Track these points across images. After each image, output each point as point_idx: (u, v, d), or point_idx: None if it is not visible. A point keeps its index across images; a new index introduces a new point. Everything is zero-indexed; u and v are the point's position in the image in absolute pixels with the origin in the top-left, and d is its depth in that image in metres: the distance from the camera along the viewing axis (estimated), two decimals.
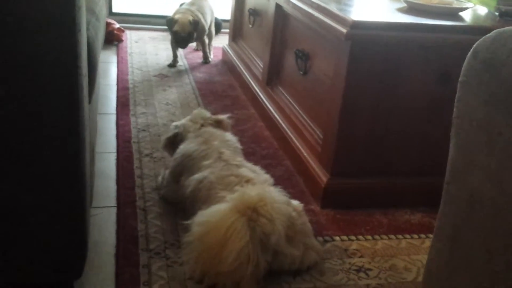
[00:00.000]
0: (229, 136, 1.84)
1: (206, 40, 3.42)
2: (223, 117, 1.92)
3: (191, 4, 3.46)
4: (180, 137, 1.82)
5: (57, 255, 1.24)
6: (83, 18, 1.14)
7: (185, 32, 3.17)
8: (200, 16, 3.33)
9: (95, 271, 1.46)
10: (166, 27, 4.14)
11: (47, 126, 1.10)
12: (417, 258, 1.64)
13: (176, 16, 3.20)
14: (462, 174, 0.87)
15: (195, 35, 3.21)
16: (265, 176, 1.65)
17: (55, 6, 1.02)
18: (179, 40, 3.19)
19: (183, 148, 1.76)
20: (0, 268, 1.21)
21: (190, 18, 3.19)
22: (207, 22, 3.43)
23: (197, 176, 1.61)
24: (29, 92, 1.07)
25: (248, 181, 1.54)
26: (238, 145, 1.82)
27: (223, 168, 1.60)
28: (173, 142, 1.84)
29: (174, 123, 1.92)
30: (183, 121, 1.89)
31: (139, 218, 1.71)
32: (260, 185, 1.52)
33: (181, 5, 3.56)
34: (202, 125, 1.83)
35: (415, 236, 1.76)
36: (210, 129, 1.81)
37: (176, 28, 3.16)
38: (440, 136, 1.85)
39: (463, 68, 0.87)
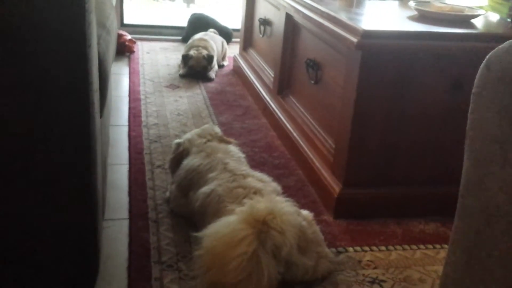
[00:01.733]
0: (232, 147, 1.84)
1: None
2: (231, 140, 1.92)
3: (204, 34, 3.67)
4: (185, 152, 1.82)
5: (69, 268, 1.24)
6: (94, 33, 1.15)
7: (200, 67, 3.34)
8: (213, 45, 3.53)
9: (107, 284, 1.46)
10: (178, 38, 4.19)
11: (59, 141, 1.11)
12: (432, 269, 1.62)
13: (191, 52, 3.37)
14: (476, 187, 0.85)
15: (209, 68, 3.39)
16: (273, 185, 1.64)
17: (65, 21, 1.03)
18: (195, 73, 3.35)
19: (187, 163, 1.77)
20: (12, 282, 1.22)
21: (205, 53, 3.38)
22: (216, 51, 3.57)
23: (204, 189, 1.61)
24: (40, 108, 1.07)
25: (256, 192, 1.54)
26: (241, 154, 1.82)
27: (230, 180, 1.60)
28: (179, 158, 1.84)
29: (176, 141, 1.92)
30: (188, 135, 1.89)
31: (151, 230, 1.70)
32: (268, 196, 1.51)
33: (191, 38, 3.66)
34: (208, 140, 1.83)
35: (430, 246, 1.74)
36: (214, 143, 1.82)
37: (191, 63, 3.35)
38: (453, 145, 1.83)
39: (476, 80, 0.86)
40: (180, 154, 1.83)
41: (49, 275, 1.23)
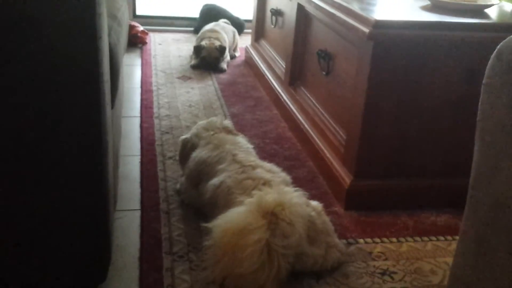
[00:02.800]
0: (240, 138, 1.85)
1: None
2: (239, 133, 1.93)
3: (215, 25, 3.65)
4: (194, 146, 1.83)
5: (81, 259, 1.26)
6: (104, 24, 1.15)
7: (212, 58, 3.33)
8: (225, 36, 3.52)
9: (119, 275, 1.47)
10: (190, 29, 4.18)
11: (70, 132, 1.12)
12: (443, 261, 1.62)
13: (203, 43, 3.36)
14: (486, 178, 0.85)
15: (221, 59, 3.37)
16: (282, 175, 1.64)
17: (75, 13, 1.03)
18: (207, 64, 3.34)
19: (195, 155, 1.78)
20: (24, 274, 1.23)
21: (217, 44, 3.37)
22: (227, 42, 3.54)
23: (214, 181, 1.62)
24: (52, 99, 1.08)
25: (265, 183, 1.54)
26: (250, 145, 1.83)
27: (239, 171, 1.60)
28: (187, 152, 1.84)
29: (182, 137, 1.93)
30: (194, 130, 1.90)
31: (163, 221, 1.72)
32: (277, 187, 1.51)
33: (202, 29, 3.66)
34: (216, 133, 1.83)
35: (441, 238, 1.73)
36: (221, 135, 1.82)
37: (203, 54, 3.34)
38: (465, 136, 1.81)
39: (486, 70, 0.85)
40: (189, 149, 1.84)
41: (62, 265, 1.25)
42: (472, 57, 1.75)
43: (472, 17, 1.83)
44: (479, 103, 0.86)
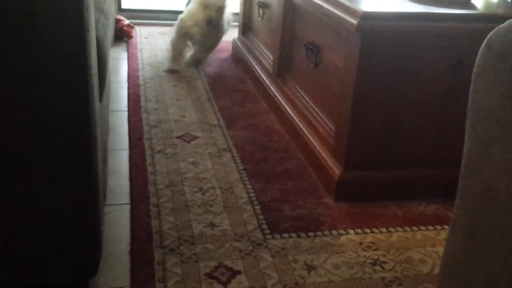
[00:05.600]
0: None
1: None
2: None
3: None
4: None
5: (71, 254, 1.25)
6: (92, 17, 1.14)
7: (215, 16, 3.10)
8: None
9: (110, 269, 1.47)
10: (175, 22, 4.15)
11: (58, 126, 1.11)
12: (433, 250, 1.63)
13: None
14: (477, 168, 0.86)
15: (221, 20, 3.15)
16: None
17: (62, 6, 1.02)
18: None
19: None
20: (14, 269, 1.22)
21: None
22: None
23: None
24: (39, 93, 1.07)
25: None
26: None
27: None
28: None
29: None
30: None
31: (153, 214, 1.71)
32: None
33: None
34: None
35: (431, 227, 1.75)
36: None
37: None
38: (454, 126, 1.83)
39: (477, 60, 0.85)
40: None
41: (52, 261, 1.24)
42: (460, 47, 1.76)
43: (459, 8, 1.84)
44: (470, 92, 0.87)
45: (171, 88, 2.86)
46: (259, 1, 2.97)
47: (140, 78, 2.98)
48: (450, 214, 1.01)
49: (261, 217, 1.74)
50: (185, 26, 3.06)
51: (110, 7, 1.80)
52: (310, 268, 1.50)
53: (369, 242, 1.65)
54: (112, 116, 2.42)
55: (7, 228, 1.18)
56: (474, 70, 0.86)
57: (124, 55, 3.40)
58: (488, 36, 0.84)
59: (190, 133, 2.34)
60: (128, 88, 2.82)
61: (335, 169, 1.88)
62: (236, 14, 3.55)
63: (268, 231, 1.67)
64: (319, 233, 1.68)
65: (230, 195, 1.86)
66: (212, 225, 1.68)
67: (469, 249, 0.92)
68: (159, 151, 2.14)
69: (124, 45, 3.60)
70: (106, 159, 1.66)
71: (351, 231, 1.70)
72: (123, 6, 4.23)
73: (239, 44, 3.41)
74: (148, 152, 2.12)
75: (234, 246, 1.59)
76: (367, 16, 1.66)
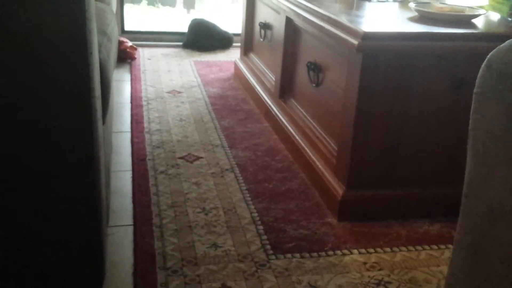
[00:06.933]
0: None
1: None
2: None
3: None
4: None
5: (75, 275, 1.24)
6: (95, 40, 1.15)
7: None
8: None
9: None
10: (179, 44, 4.20)
11: (62, 149, 1.11)
12: (437, 270, 1.62)
13: None
14: (480, 187, 0.85)
15: None
16: None
17: (66, 29, 1.03)
18: None
19: None
20: None
21: None
22: None
23: None
24: (42, 115, 1.08)
25: None
26: None
27: None
28: None
29: None
30: None
31: (156, 236, 1.71)
32: None
33: None
34: None
35: (435, 247, 1.74)
36: None
37: None
38: (456, 145, 1.83)
39: (477, 79, 0.86)
40: None
41: (55, 283, 1.23)
42: (461, 66, 1.77)
43: (459, 27, 1.85)
44: (471, 112, 0.87)
45: (173, 109, 2.87)
46: (261, 22, 2.99)
47: (143, 99, 3.00)
48: (454, 233, 1.01)
49: (265, 237, 1.74)
50: None
51: (113, 30, 1.82)
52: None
53: (373, 262, 1.64)
54: (115, 137, 2.42)
55: (9, 249, 1.17)
56: (475, 90, 0.86)
57: (127, 77, 3.43)
58: (488, 56, 0.84)
59: (193, 153, 2.34)
60: (131, 109, 2.83)
61: (338, 189, 1.88)
62: (238, 34, 3.59)
63: (271, 252, 1.66)
64: (323, 253, 1.67)
65: (233, 215, 1.86)
66: (215, 245, 1.68)
67: (473, 269, 0.92)
68: (162, 172, 2.14)
69: (127, 67, 3.63)
70: (109, 180, 1.66)
71: (355, 251, 1.69)
72: (126, 28, 4.27)
73: (241, 64, 3.43)
74: (151, 173, 2.13)
75: (237, 267, 1.58)
76: (368, 36, 1.67)
